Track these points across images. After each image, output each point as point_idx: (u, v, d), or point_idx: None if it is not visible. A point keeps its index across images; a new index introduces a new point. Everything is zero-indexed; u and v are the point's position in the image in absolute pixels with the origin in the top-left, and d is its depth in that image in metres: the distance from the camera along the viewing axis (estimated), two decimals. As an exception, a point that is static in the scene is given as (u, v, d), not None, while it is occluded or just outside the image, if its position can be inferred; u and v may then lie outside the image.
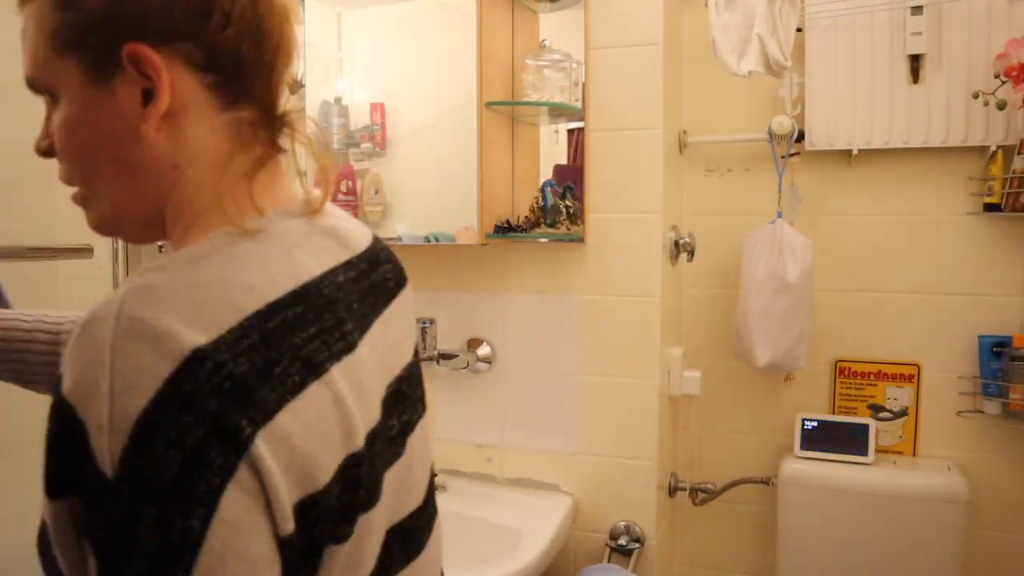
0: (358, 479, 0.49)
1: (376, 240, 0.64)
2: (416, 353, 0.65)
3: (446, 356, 1.61)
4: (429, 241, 1.55)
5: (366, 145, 1.58)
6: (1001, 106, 1.51)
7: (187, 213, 0.53)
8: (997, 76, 1.51)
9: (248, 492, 0.42)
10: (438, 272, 1.67)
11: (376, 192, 1.58)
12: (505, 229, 1.52)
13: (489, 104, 1.47)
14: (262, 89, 0.54)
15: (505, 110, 1.54)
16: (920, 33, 1.58)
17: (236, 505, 0.42)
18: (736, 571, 1.86)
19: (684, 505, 1.85)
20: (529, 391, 1.61)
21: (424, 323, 1.60)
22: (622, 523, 1.55)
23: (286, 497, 0.44)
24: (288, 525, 0.44)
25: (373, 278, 0.59)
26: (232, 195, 0.52)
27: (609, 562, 1.52)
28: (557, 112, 1.56)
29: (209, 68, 0.51)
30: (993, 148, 1.57)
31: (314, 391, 0.46)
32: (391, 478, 0.55)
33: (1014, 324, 1.61)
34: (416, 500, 0.61)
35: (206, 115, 0.52)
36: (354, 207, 1.58)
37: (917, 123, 1.61)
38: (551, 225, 1.53)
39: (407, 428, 0.59)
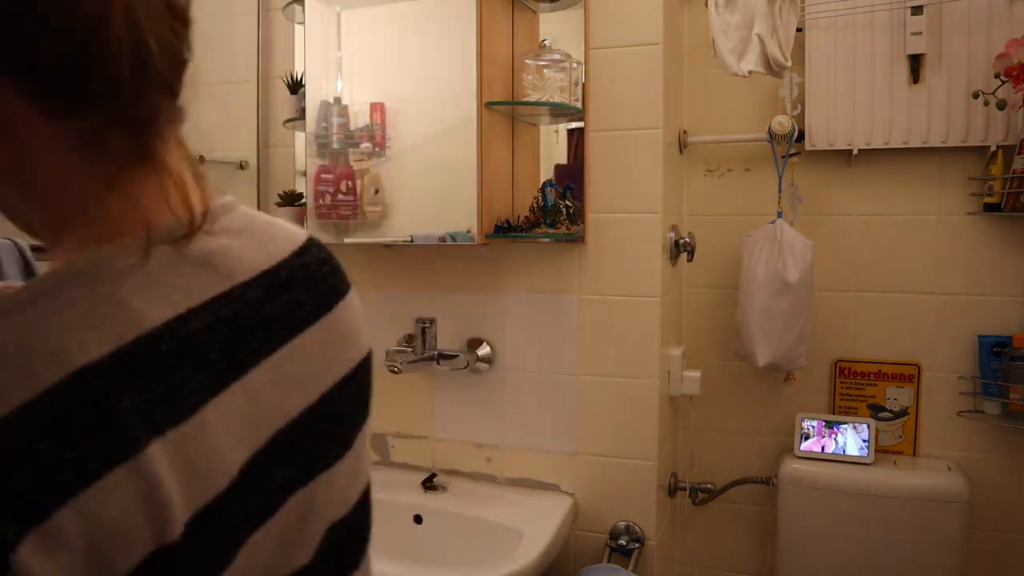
0: (172, 571, 0.41)
1: (296, 256, 0.54)
2: (347, 386, 0.55)
3: (446, 356, 1.61)
4: (446, 241, 1.53)
5: (366, 145, 1.58)
6: (1001, 106, 1.51)
7: (49, 233, 0.47)
8: (997, 76, 1.51)
9: None
10: (438, 272, 1.67)
11: (376, 192, 1.58)
12: (505, 229, 1.52)
13: (489, 104, 1.47)
14: (108, 93, 0.43)
15: (505, 110, 1.54)
16: (920, 33, 1.58)
17: None
18: (736, 571, 1.86)
19: (684, 505, 1.85)
20: (529, 391, 1.61)
21: (424, 323, 1.61)
22: (622, 523, 1.55)
23: None
24: None
25: (272, 307, 0.50)
26: (84, 215, 0.45)
27: (609, 562, 1.52)
28: (557, 112, 1.56)
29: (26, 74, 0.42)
30: (993, 148, 1.57)
31: (116, 479, 0.37)
32: (260, 539, 0.47)
33: (1014, 324, 1.61)
34: (302, 559, 0.51)
35: (33, 127, 0.43)
36: (354, 207, 1.58)
37: (917, 123, 1.61)
38: (551, 225, 1.53)
39: (293, 483, 0.50)
